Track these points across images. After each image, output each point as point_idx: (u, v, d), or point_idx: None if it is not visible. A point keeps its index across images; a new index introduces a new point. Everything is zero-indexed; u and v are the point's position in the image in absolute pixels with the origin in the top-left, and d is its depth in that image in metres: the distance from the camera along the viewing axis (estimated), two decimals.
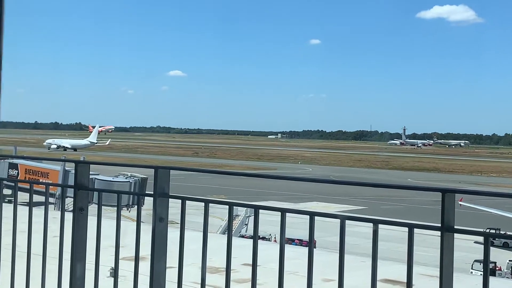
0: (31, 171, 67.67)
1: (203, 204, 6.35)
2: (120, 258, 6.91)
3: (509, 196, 5.94)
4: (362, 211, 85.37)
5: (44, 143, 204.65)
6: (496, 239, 62.80)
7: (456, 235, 5.10)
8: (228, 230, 6.44)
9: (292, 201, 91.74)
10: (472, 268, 49.36)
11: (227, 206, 6.35)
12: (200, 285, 6.22)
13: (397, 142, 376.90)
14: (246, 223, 64.05)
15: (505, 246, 63.14)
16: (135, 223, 6.90)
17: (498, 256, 55.00)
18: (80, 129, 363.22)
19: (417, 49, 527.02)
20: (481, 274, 5.09)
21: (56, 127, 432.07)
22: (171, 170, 6.81)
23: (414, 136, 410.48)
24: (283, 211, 5.80)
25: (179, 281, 6.41)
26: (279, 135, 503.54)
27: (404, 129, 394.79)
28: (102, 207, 7.06)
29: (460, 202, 67.51)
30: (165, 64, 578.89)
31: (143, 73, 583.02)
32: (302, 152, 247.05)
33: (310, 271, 5.64)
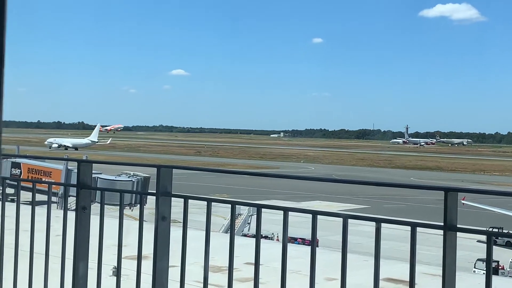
0: (33, 170, 67.73)
1: (205, 203, 6.36)
2: (122, 257, 6.91)
3: None
4: (364, 210, 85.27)
5: (45, 142, 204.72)
6: (499, 238, 62.88)
7: (459, 234, 5.10)
8: (231, 229, 6.44)
9: (295, 200, 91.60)
10: (474, 267, 49.29)
11: (230, 205, 6.35)
12: (202, 284, 6.22)
13: (400, 141, 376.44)
14: (249, 222, 64.02)
15: (508, 245, 63.11)
16: (137, 222, 6.90)
17: (501, 255, 54.90)
18: (82, 128, 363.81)
19: (420, 48, 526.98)
20: (483, 273, 5.08)
21: (58, 126, 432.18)
22: (173, 169, 6.81)
23: (417, 134, 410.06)
24: (286, 210, 5.80)
25: (182, 280, 6.41)
26: (282, 134, 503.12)
27: (407, 128, 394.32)
28: (105, 206, 7.07)
29: (462, 201, 67.37)
30: (167, 63, 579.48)
31: (145, 72, 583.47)
32: (304, 151, 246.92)
33: (312, 270, 5.64)
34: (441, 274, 5.04)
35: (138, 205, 7.53)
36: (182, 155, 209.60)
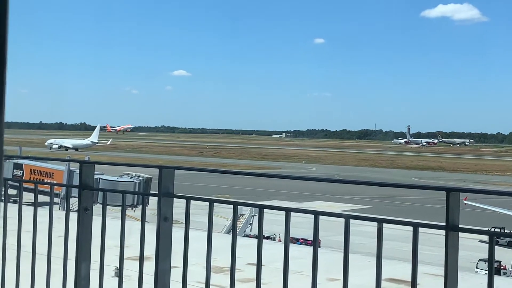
0: (36, 171, 67.82)
1: (207, 203, 6.36)
2: (124, 257, 6.91)
3: None
4: (366, 210, 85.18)
5: (46, 143, 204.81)
6: (501, 238, 62.78)
7: (460, 234, 5.10)
8: (233, 230, 6.44)
9: (297, 201, 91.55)
10: (477, 267, 49.23)
11: (232, 206, 6.35)
12: (204, 285, 6.22)
13: (402, 141, 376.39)
14: (251, 222, 64.01)
15: (510, 245, 62.97)
16: (139, 222, 6.91)
17: (503, 255, 54.81)
18: (84, 129, 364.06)
19: (422, 48, 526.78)
20: (486, 273, 5.08)
21: (60, 127, 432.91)
22: (175, 170, 6.81)
23: (419, 135, 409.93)
24: (288, 211, 5.80)
25: (184, 281, 6.41)
26: (283, 135, 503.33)
27: (409, 128, 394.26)
28: (107, 207, 7.07)
29: (464, 201, 67.32)
30: (169, 64, 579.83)
31: (147, 73, 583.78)
32: (306, 151, 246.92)
33: (314, 271, 5.64)
34: (443, 274, 5.03)
35: (140, 206, 7.54)
36: (184, 155, 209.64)
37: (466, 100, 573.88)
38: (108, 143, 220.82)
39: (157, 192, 6.64)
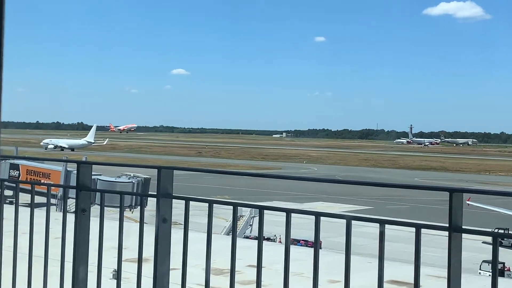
0: (32, 171, 67.78)
1: (207, 204, 6.35)
2: (123, 259, 6.92)
3: None
4: (368, 211, 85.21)
5: (41, 143, 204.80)
6: (505, 239, 62.71)
7: (464, 235, 5.10)
8: (233, 231, 6.44)
9: (297, 201, 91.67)
10: (480, 269, 49.27)
11: (232, 207, 6.36)
12: (204, 287, 6.22)
13: (404, 140, 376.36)
14: (251, 223, 64.02)
15: None
16: (138, 224, 6.91)
17: (507, 256, 54.80)
18: (82, 128, 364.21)
19: (424, 46, 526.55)
20: (489, 275, 5.08)
21: (57, 127, 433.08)
22: (174, 170, 6.81)
23: (421, 134, 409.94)
24: (288, 212, 5.80)
25: (183, 283, 6.41)
26: (284, 134, 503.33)
27: (411, 128, 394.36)
28: (105, 208, 7.07)
29: (467, 202, 67.30)
30: (168, 63, 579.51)
31: (146, 72, 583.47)
32: (307, 151, 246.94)
33: (316, 272, 5.64)
34: (446, 276, 5.03)
35: (139, 207, 7.53)
36: (183, 156, 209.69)
37: (469, 99, 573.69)
38: (105, 143, 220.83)
39: (155, 193, 6.64)
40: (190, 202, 6.55)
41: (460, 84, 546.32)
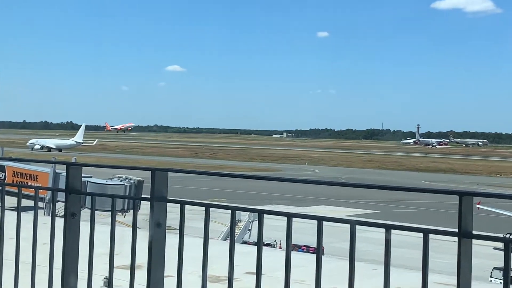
0: (19, 173, 67.81)
1: (203, 208, 6.36)
2: (114, 266, 6.92)
3: None
4: (373, 215, 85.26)
5: (27, 143, 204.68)
6: None
7: (474, 241, 5.11)
8: (231, 236, 6.44)
9: (299, 205, 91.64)
10: (491, 276, 49.30)
11: (229, 211, 6.35)
12: None
13: (411, 141, 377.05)
14: (250, 228, 64.08)
15: None
16: (130, 229, 6.91)
17: None
18: (71, 128, 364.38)
19: (432, 42, 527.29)
20: (500, 283, 5.10)
21: (46, 127, 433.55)
22: (169, 172, 6.81)
23: (429, 134, 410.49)
24: (289, 216, 5.81)
25: None
26: (285, 134, 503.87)
27: (418, 128, 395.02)
28: (96, 212, 7.07)
29: (478, 206, 67.34)
30: (162, 59, 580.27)
31: (138, 68, 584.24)
32: (309, 152, 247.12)
33: (318, 280, 5.64)
34: (455, 284, 5.04)
35: (131, 211, 7.53)
36: (178, 157, 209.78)
37: (480, 97, 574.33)
38: (94, 143, 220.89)
39: (149, 196, 6.64)
40: (186, 205, 6.55)
41: (469, 81, 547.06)
